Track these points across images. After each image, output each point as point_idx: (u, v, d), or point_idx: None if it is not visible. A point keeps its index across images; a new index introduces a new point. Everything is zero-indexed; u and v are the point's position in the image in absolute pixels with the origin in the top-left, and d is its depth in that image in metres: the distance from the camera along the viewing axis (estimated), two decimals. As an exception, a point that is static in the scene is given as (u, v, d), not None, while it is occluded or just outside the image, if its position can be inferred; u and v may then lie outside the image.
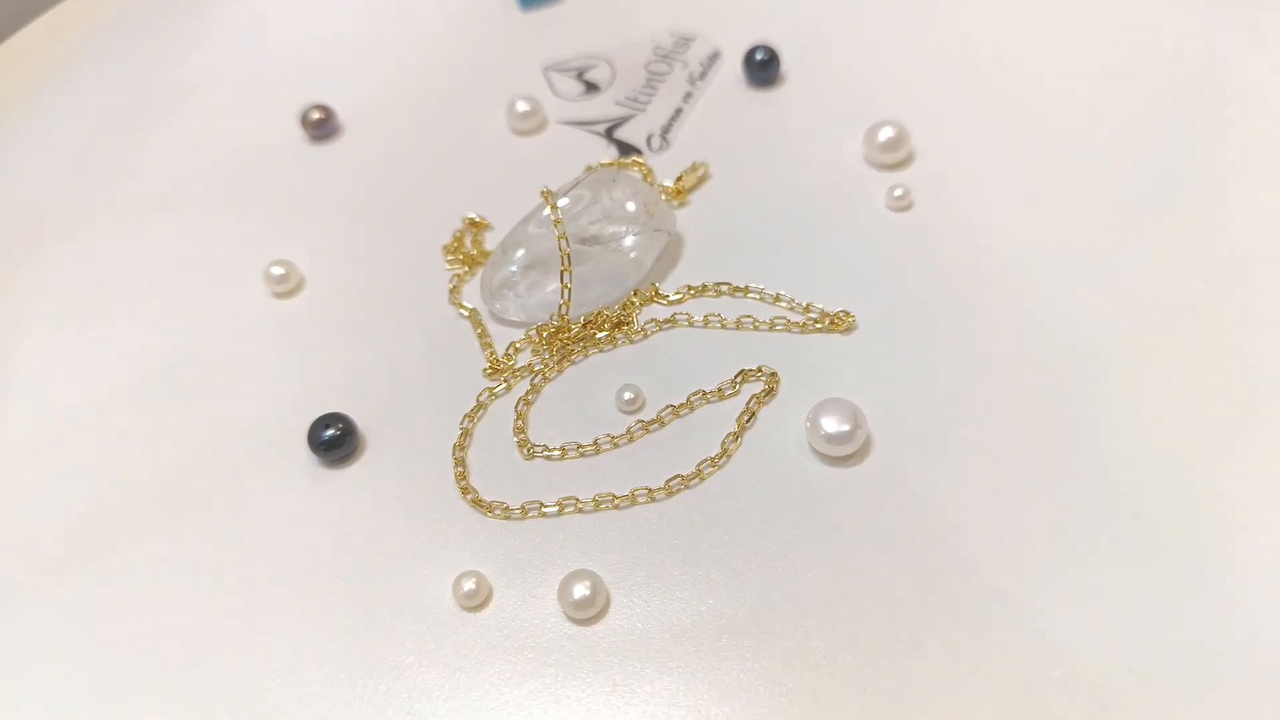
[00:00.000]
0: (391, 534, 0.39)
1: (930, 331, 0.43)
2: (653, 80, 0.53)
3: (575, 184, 0.45)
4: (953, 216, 0.47)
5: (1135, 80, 0.52)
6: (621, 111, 0.52)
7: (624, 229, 0.45)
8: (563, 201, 0.44)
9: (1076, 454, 0.39)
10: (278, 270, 0.46)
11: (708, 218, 0.48)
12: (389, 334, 0.45)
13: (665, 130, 0.51)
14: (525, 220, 0.45)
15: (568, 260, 0.43)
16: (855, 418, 0.39)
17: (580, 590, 0.36)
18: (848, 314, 0.43)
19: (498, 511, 0.39)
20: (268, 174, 0.53)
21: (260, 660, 0.36)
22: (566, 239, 0.43)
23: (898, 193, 0.47)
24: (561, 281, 0.43)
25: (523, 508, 0.39)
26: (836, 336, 0.43)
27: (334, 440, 0.40)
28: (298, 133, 0.55)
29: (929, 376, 0.41)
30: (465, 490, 0.39)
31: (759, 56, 0.52)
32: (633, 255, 0.45)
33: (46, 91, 0.59)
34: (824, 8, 0.57)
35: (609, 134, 0.51)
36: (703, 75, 0.53)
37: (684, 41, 0.55)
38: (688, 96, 0.52)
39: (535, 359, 0.43)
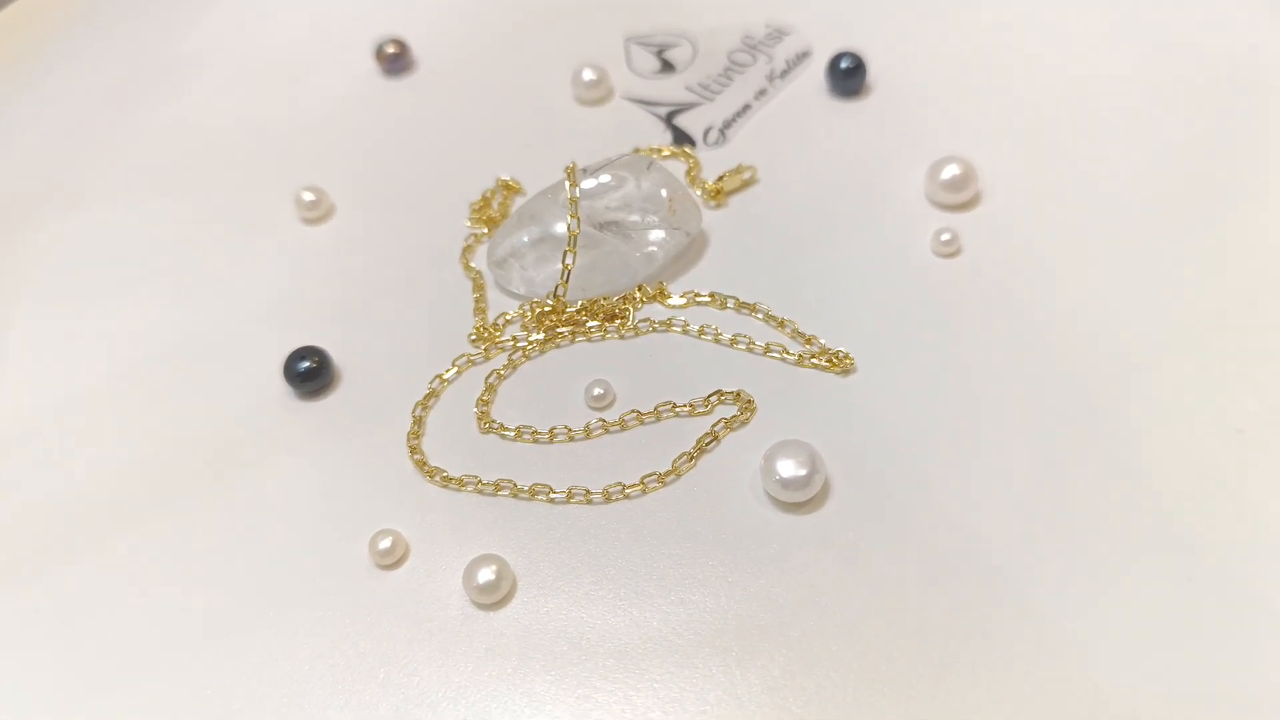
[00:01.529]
0: (334, 479, 0.40)
1: (933, 381, 0.41)
2: (731, 70, 0.52)
3: (606, 164, 0.45)
4: (999, 270, 0.44)
5: (1224, 129, 0.48)
6: (689, 97, 0.51)
7: (643, 221, 0.44)
8: (590, 181, 0.44)
9: (1116, 475, 0.38)
10: (309, 196, 0.48)
11: (741, 224, 0.47)
12: (395, 281, 0.46)
13: (727, 125, 0.50)
14: (547, 192, 0.45)
15: (574, 241, 0.43)
16: (813, 462, 0.38)
17: (485, 575, 0.37)
18: (847, 355, 0.42)
19: (437, 478, 0.40)
20: (286, 148, 0.53)
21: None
22: (578, 219, 0.43)
23: (945, 237, 0.45)
24: (564, 262, 0.43)
25: (460, 479, 0.40)
26: (831, 376, 0.42)
27: (309, 372, 0.42)
28: (342, 87, 0.55)
29: (924, 423, 0.40)
30: (414, 449, 0.41)
31: (844, 64, 0.50)
32: (647, 250, 0.45)
33: (41, 64, 0.59)
34: (934, 28, 0.54)
35: (669, 119, 0.51)
36: (784, 74, 0.52)
37: (777, 34, 0.54)
38: (761, 93, 0.51)
39: (522, 335, 0.44)
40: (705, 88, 0.52)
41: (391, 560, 0.38)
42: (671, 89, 0.52)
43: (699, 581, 0.37)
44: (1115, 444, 0.39)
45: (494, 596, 0.37)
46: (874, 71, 0.52)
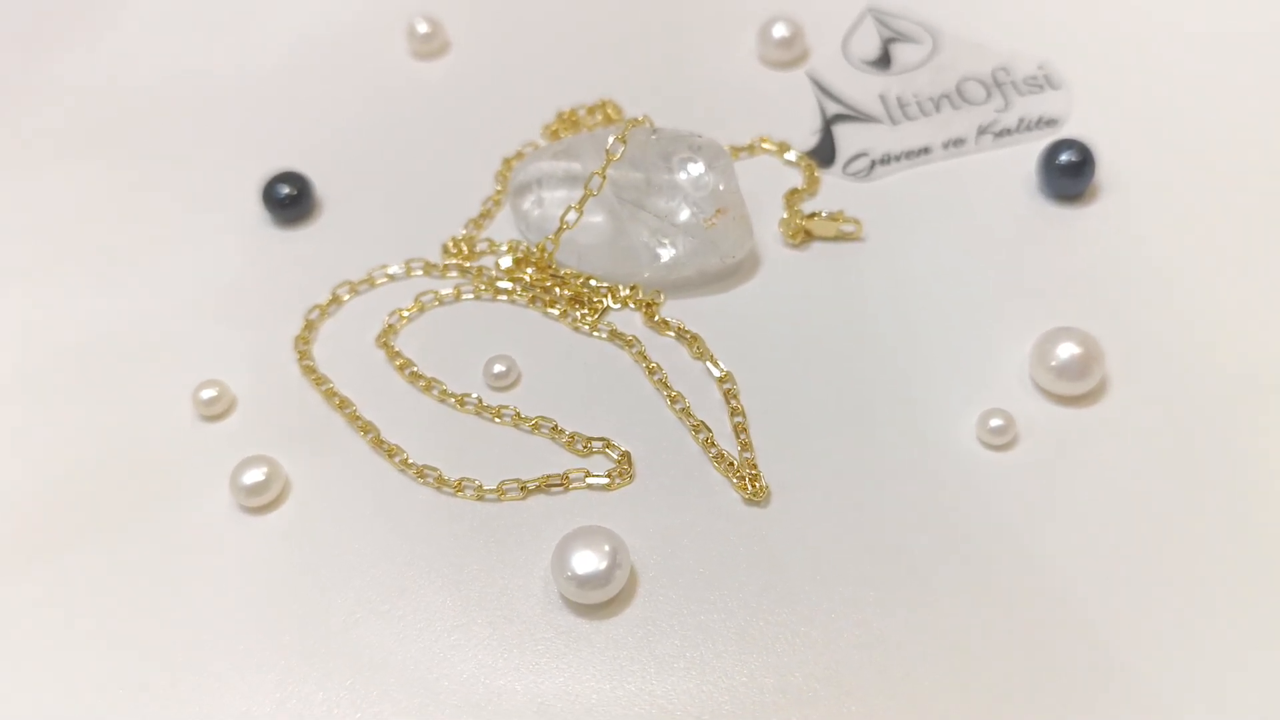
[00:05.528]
0: (222, 310, 0.42)
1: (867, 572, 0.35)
2: (948, 99, 0.44)
3: (685, 139, 0.41)
4: (1052, 492, 0.36)
5: None
6: (873, 108, 0.44)
7: (671, 215, 0.40)
8: (652, 147, 0.41)
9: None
10: (424, 27, 0.49)
11: (799, 278, 0.41)
12: (429, 150, 0.47)
13: (884, 161, 0.43)
14: (604, 134, 0.42)
15: (584, 201, 0.40)
16: (615, 555, 0.35)
17: (253, 475, 0.38)
18: (765, 487, 0.36)
19: (304, 362, 0.41)
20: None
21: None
22: (605, 178, 0.40)
23: (995, 423, 0.37)
24: (563, 219, 0.41)
25: (319, 376, 0.40)
26: (736, 496, 0.37)
27: (289, 198, 0.44)
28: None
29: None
30: (308, 325, 0.42)
31: (1064, 156, 0.41)
32: (660, 250, 0.41)
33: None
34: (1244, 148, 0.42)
35: (830, 121, 0.44)
36: (1003, 134, 0.43)
37: (1038, 83, 0.44)
38: (956, 144, 0.43)
39: (491, 271, 0.42)
40: (902, 105, 0.44)
41: (213, 412, 0.40)
42: (863, 89, 0.45)
43: (430, 614, 0.35)
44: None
45: (256, 500, 0.38)
46: (1105, 174, 0.42)
